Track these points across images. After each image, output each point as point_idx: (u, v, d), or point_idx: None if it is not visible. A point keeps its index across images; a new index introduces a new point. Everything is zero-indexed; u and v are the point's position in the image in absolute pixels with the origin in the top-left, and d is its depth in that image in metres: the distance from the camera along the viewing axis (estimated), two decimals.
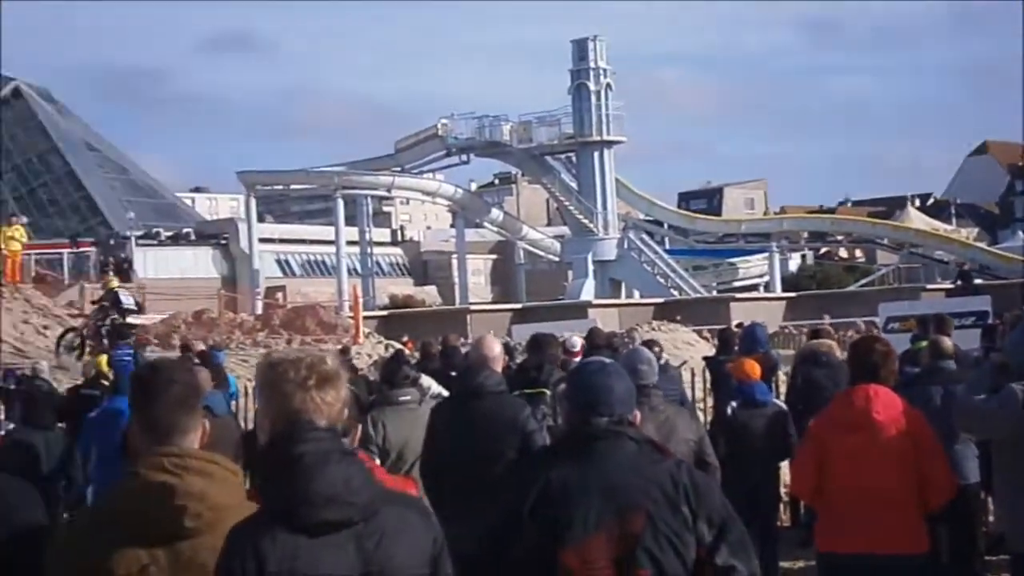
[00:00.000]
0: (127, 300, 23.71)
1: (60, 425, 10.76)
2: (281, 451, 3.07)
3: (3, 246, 30.95)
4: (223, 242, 61.59)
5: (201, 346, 13.01)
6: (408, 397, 7.51)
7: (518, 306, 48.22)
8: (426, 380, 9.68)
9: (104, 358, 15.70)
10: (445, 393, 9.80)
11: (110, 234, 61.14)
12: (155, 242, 59.56)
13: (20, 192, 70.40)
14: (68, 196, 70.62)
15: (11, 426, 10.90)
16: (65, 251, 53.66)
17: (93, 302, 25.25)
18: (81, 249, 55.88)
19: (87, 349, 22.82)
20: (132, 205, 69.98)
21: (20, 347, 24.59)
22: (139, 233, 60.12)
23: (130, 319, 23.20)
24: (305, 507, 3.00)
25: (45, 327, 26.76)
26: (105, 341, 22.64)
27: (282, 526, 3.00)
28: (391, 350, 22.96)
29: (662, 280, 57.65)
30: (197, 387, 3.34)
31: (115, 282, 25.48)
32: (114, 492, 3.28)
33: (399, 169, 61.31)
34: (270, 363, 3.23)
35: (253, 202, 59.18)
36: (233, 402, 13.22)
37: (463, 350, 13.71)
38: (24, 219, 38.02)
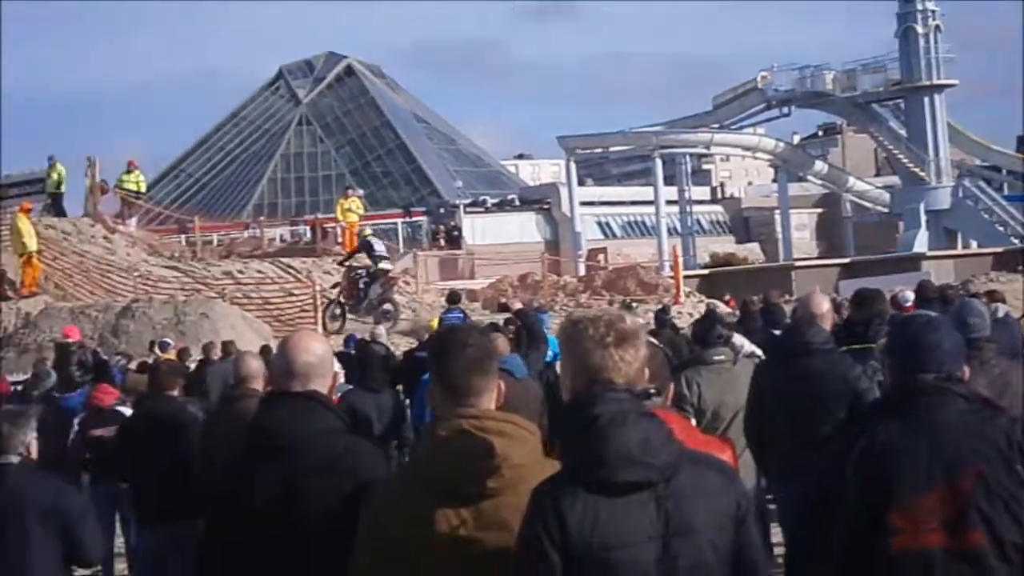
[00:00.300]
0: (379, 247, 24.65)
1: (398, 388, 11.20)
2: (579, 411, 3.07)
3: (341, 218, 32.65)
4: (546, 207, 62.63)
5: (518, 305, 13.13)
6: (722, 356, 7.40)
7: (846, 260, 46.79)
8: (738, 339, 9.51)
9: (436, 321, 16.30)
10: (759, 352, 9.60)
11: (440, 203, 63.49)
12: (482, 209, 61.17)
13: (355, 165, 74.23)
14: (400, 168, 73.82)
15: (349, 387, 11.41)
16: (399, 220, 56.03)
17: (340, 263, 25.91)
18: (414, 219, 58.31)
19: (347, 310, 23.76)
20: (459, 174, 72.44)
21: None
22: (467, 201, 61.97)
23: (382, 265, 24.02)
24: (602, 468, 2.99)
25: None
26: (363, 292, 23.62)
27: (582, 487, 3.00)
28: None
29: (1001, 228, 54.77)
30: (490, 350, 3.41)
31: (368, 231, 26.50)
32: (418, 453, 3.36)
33: (717, 125, 60.57)
34: (571, 321, 3.26)
35: (573, 166, 59.92)
36: (557, 363, 13.39)
37: (786, 308, 13.39)
38: (360, 191, 40.02)
